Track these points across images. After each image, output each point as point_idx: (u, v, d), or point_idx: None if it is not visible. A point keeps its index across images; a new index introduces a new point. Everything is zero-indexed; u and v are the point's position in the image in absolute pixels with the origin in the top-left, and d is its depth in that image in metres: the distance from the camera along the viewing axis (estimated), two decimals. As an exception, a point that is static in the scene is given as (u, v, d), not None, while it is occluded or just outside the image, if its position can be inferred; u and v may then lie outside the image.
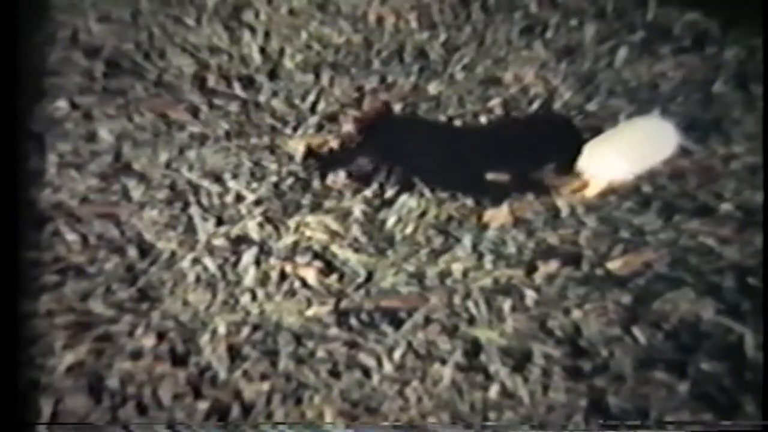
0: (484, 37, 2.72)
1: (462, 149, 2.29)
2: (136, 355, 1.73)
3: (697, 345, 1.74)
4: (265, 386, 1.67)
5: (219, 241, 1.98)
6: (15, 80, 2.15)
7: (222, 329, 1.77)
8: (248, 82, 2.52)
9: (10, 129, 2.03)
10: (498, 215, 2.05)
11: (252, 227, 2.00)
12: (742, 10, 2.67)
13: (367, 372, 1.69)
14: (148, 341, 1.75)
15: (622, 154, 2.16)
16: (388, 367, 1.69)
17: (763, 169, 2.16)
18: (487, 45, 2.68)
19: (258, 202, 2.09)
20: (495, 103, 2.45)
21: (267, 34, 2.72)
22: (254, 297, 1.84)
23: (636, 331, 1.76)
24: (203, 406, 1.64)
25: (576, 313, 1.80)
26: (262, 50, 2.64)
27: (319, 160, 2.22)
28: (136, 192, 2.11)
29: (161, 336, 1.76)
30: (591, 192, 2.10)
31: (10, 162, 2.01)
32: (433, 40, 2.71)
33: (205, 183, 2.14)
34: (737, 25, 2.68)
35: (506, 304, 1.82)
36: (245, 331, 1.77)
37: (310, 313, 1.81)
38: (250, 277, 1.88)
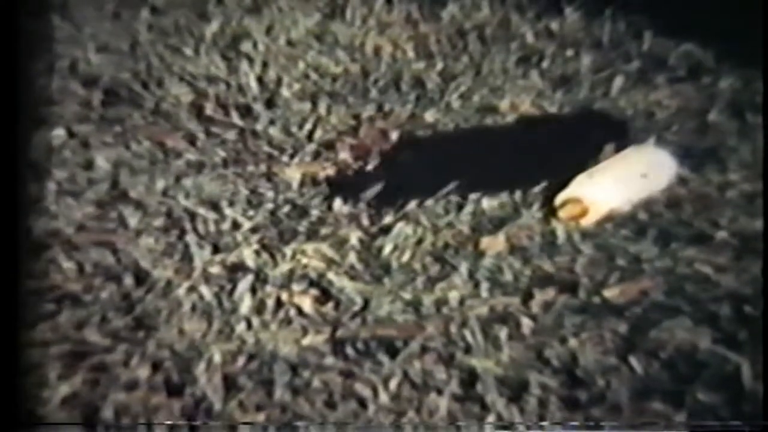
0: (480, 67, 2.73)
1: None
2: (132, 385, 1.72)
3: (694, 375, 1.73)
4: (261, 417, 1.66)
5: (215, 269, 1.97)
6: (14, 109, 2.15)
7: (218, 358, 1.76)
8: (245, 111, 2.53)
9: (8, 157, 2.03)
10: (494, 242, 2.05)
11: (248, 255, 2.00)
12: (737, 41, 2.68)
13: (362, 402, 1.68)
14: (144, 371, 1.74)
15: (621, 183, 2.17)
16: (383, 397, 1.68)
17: (762, 197, 2.16)
18: (484, 74, 2.70)
19: (254, 230, 2.09)
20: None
21: (265, 64, 2.73)
22: (250, 326, 1.83)
23: (633, 360, 1.75)
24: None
25: (572, 342, 1.80)
26: (260, 80, 2.66)
27: (318, 188, 2.23)
28: (133, 219, 2.11)
29: (156, 366, 1.75)
30: (589, 220, 2.10)
31: (8, 190, 2.00)
32: (430, 70, 2.73)
33: (202, 210, 2.14)
34: (731, 55, 2.69)
35: (503, 333, 1.81)
36: (241, 360, 1.76)
37: (306, 342, 1.80)
38: (245, 306, 1.88)
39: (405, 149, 2.39)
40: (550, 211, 2.13)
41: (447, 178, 2.21)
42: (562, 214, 2.12)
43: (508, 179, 2.21)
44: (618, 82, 2.65)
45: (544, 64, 2.75)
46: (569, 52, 2.82)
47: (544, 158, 2.29)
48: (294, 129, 2.45)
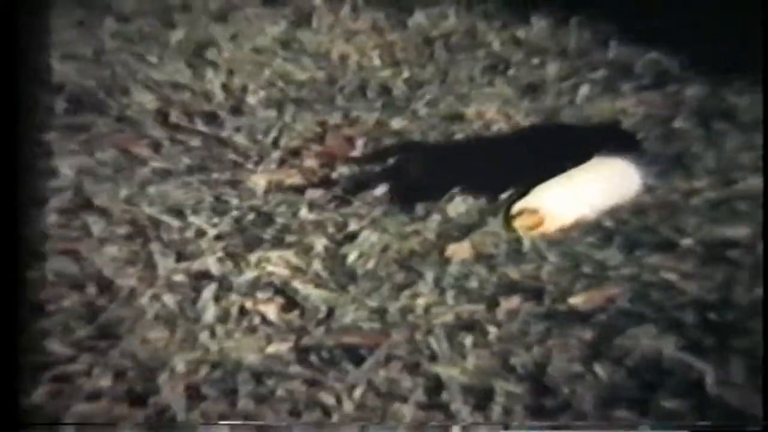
0: (447, 75, 2.74)
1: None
2: (94, 395, 1.70)
3: (659, 382, 1.73)
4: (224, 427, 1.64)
5: (179, 277, 1.95)
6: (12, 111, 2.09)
7: (181, 368, 1.74)
8: (211, 118, 2.51)
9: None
10: (460, 250, 2.05)
11: (212, 263, 1.99)
12: (703, 49, 2.71)
13: (327, 411, 1.67)
14: (106, 381, 1.72)
15: (579, 194, 2.16)
16: (348, 405, 1.67)
17: (763, 195, 2.16)
18: (450, 82, 2.70)
19: (219, 237, 2.07)
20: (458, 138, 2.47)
21: (230, 71, 2.72)
22: (214, 334, 1.82)
23: (598, 367, 1.75)
24: (160, 447, 1.61)
25: (538, 350, 1.79)
26: (225, 87, 2.64)
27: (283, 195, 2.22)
28: (97, 228, 2.09)
29: (119, 375, 1.73)
30: (545, 230, 2.09)
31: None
32: (397, 77, 2.73)
33: (166, 218, 2.12)
34: (697, 63, 2.71)
35: (468, 341, 1.81)
36: (204, 369, 1.74)
37: (270, 350, 1.79)
38: (209, 314, 1.86)
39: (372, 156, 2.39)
40: (506, 220, 2.12)
41: (414, 185, 2.21)
42: (518, 223, 2.11)
43: (474, 186, 2.21)
44: (584, 90, 2.66)
45: (511, 72, 2.76)
46: (535, 61, 2.83)
47: (510, 165, 2.30)
48: (259, 136, 2.44)
